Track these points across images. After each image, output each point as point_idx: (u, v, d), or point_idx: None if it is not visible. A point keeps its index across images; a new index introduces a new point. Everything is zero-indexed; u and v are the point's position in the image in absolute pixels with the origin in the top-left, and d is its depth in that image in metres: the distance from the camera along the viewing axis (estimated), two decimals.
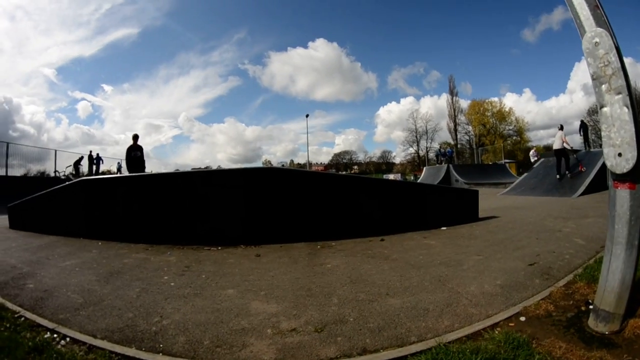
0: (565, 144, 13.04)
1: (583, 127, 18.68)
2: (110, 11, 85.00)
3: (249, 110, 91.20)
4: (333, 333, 2.52)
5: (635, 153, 2.14)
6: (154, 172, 12.37)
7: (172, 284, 3.58)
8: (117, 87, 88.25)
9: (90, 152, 24.50)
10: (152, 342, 2.41)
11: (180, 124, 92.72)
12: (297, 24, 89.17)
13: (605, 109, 2.29)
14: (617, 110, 2.22)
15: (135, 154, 10.52)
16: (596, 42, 2.29)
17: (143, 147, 10.89)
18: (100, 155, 25.19)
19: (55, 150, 21.35)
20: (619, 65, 2.21)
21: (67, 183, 6.41)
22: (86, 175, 18.44)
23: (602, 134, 2.33)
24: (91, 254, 4.69)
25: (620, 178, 2.29)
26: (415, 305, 2.94)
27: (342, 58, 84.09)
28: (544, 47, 76.06)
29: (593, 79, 2.35)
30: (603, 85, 2.28)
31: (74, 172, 21.01)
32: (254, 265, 4.27)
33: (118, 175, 13.67)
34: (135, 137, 10.89)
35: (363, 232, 5.75)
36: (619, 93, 2.21)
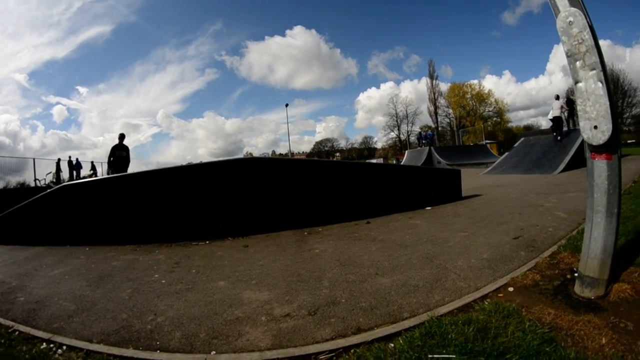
0: (565, 111, 14.48)
1: (570, 102, 18.98)
2: (81, 10, 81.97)
3: (228, 103, 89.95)
4: (326, 315, 2.57)
5: (610, 125, 2.23)
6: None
7: (163, 281, 3.57)
8: (93, 88, 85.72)
9: (70, 157, 24.07)
10: (149, 340, 2.41)
11: (159, 122, 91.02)
12: (275, 12, 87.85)
13: (580, 85, 2.36)
14: (591, 86, 2.30)
15: (120, 153, 10.25)
16: (570, 21, 2.34)
17: (129, 147, 10.69)
18: (79, 160, 24.85)
19: (34, 159, 20.58)
20: (593, 43, 2.28)
21: (47, 191, 6.26)
22: (67, 181, 18.11)
23: (578, 108, 2.41)
24: (79, 260, 4.61)
25: (597, 149, 2.38)
26: (405, 283, 3.01)
27: (321, 45, 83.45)
28: (523, 30, 76.94)
29: (568, 56, 2.41)
30: (577, 62, 2.35)
31: (54, 180, 20.56)
32: (243, 256, 4.28)
33: (98, 178, 13.30)
34: (122, 137, 10.59)
35: (349, 216, 5.82)
36: (593, 69, 2.28)
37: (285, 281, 3.31)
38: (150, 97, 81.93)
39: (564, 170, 11.61)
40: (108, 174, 9.03)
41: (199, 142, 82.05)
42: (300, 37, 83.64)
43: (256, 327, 2.47)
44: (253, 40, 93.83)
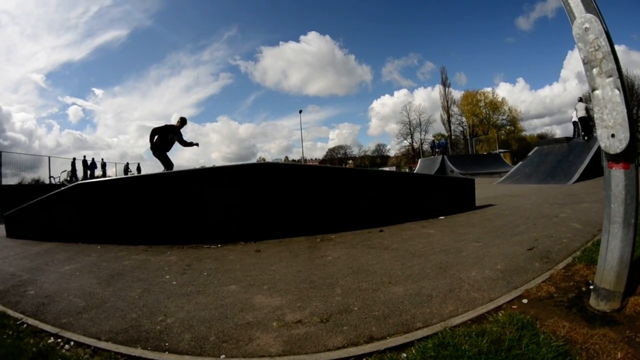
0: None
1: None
2: (98, 13, 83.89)
3: (241, 108, 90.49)
4: (339, 323, 2.54)
5: (627, 134, 2.19)
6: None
7: (174, 282, 3.59)
8: (108, 90, 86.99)
9: (84, 157, 24.53)
10: (158, 341, 2.42)
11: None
12: (289, 17, 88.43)
13: (597, 92, 2.33)
14: (608, 93, 2.26)
15: (172, 137, 8.81)
16: (586, 28, 2.32)
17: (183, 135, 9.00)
18: (95, 160, 25.30)
19: (49, 157, 20.88)
20: (609, 49, 2.25)
21: (62, 188, 6.37)
22: (81, 180, 18.39)
23: (595, 116, 2.38)
24: (90, 257, 4.68)
25: (614, 158, 2.33)
26: (419, 292, 2.98)
27: (335, 51, 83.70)
28: (538, 36, 76.13)
29: (584, 63, 2.38)
30: (594, 69, 2.32)
31: (68, 178, 20.89)
32: (255, 261, 4.29)
33: (113, 177, 13.25)
34: (183, 121, 9.07)
35: (362, 224, 5.80)
36: (610, 76, 2.25)
37: (297, 287, 3.30)
38: (165, 100, 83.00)
39: (578, 180, 11.44)
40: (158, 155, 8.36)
41: (212, 146, 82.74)
42: (314, 43, 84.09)
43: (267, 333, 2.46)
44: (268, 46, 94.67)
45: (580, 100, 16.03)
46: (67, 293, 3.36)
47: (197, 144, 9.15)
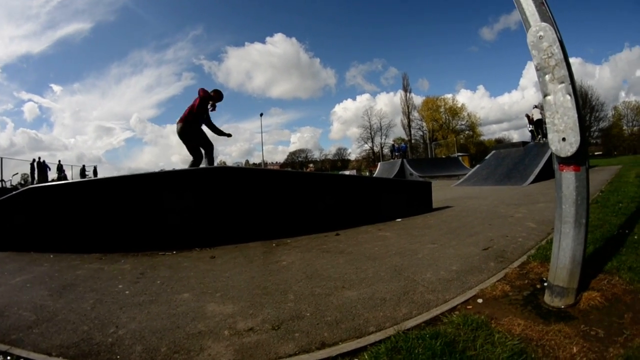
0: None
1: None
2: (62, 3, 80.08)
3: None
4: (290, 329, 2.49)
5: (578, 137, 2.27)
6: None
7: (127, 292, 3.41)
8: (67, 87, 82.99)
9: (37, 159, 23.12)
10: (109, 353, 2.27)
11: (132, 126, 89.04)
12: (256, 18, 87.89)
13: (549, 97, 2.41)
14: (560, 98, 2.34)
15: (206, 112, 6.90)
16: (540, 36, 2.40)
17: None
18: (46, 162, 23.93)
19: (1, 158, 19.34)
20: (562, 56, 2.33)
21: (12, 193, 5.95)
22: (34, 184, 17.29)
23: (547, 120, 2.46)
24: (42, 267, 4.37)
25: (565, 161, 2.42)
26: (372, 296, 2.95)
27: (301, 54, 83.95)
28: (500, 46, 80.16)
29: (537, 70, 2.46)
30: (547, 75, 2.40)
31: (22, 182, 19.64)
32: (209, 267, 4.15)
33: (65, 182, 12.55)
34: (218, 95, 7.04)
35: (318, 228, 5.75)
36: (562, 82, 2.33)
37: (250, 294, 3.21)
38: (125, 100, 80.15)
39: (534, 181, 11.96)
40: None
41: (172, 148, 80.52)
42: (280, 45, 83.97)
43: (218, 342, 2.36)
44: (233, 46, 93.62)
45: (535, 107, 18.22)
46: (18, 307, 3.10)
47: (229, 135, 7.53)
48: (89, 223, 5.25)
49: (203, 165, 6.65)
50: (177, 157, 76.82)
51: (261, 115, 47.54)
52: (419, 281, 3.22)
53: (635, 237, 3.92)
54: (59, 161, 26.27)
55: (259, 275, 3.74)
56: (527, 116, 19.77)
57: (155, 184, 5.53)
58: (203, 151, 6.71)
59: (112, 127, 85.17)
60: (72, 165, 29.21)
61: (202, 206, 5.36)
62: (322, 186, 6.32)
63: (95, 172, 29.89)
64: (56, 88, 76.72)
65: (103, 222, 5.23)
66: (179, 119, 6.62)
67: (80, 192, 5.56)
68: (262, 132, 49.55)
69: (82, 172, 28.85)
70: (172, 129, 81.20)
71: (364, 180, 6.62)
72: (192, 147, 6.68)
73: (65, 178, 23.93)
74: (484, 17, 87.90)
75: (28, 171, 20.94)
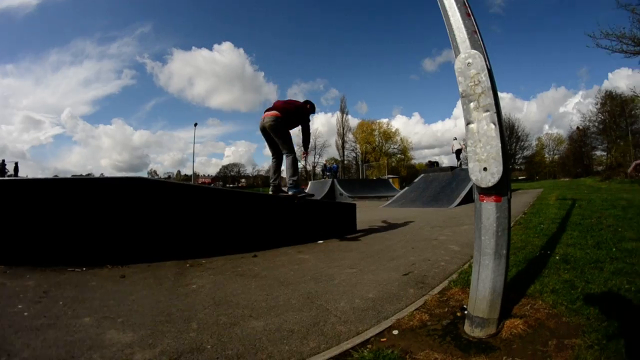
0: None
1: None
2: None
3: (139, 113, 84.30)
4: None
5: (500, 167, 2.24)
6: (29, 177, 9.87)
7: (26, 313, 2.92)
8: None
9: None
10: None
11: (63, 122, 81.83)
12: (208, 23, 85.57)
13: (472, 126, 2.37)
14: (484, 127, 2.31)
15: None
16: (469, 63, 2.38)
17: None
18: None
19: None
20: (489, 84, 2.31)
21: None
22: None
23: (468, 149, 2.40)
24: None
25: (486, 191, 2.39)
26: (280, 327, 2.73)
27: (246, 65, 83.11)
28: (439, 77, 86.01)
29: (462, 97, 2.42)
30: (472, 103, 2.37)
31: None
32: (117, 288, 3.71)
33: None
34: (312, 107, 7.17)
35: (237, 248, 5.45)
36: (487, 110, 2.31)
37: (153, 321, 2.85)
38: (60, 91, 73.35)
39: (460, 204, 12.54)
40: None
41: (103, 151, 75.12)
42: (227, 54, 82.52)
43: None
44: (180, 49, 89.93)
45: (455, 139, 21.69)
46: None
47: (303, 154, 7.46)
48: None
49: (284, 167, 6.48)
50: (107, 161, 71.71)
51: (195, 125, 46.16)
52: (332, 310, 3.04)
53: (557, 257, 4.12)
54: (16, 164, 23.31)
55: (165, 300, 3.39)
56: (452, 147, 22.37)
57: (67, 191, 4.93)
58: (284, 154, 6.51)
59: (42, 120, 77.41)
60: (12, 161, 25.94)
61: (117, 220, 4.82)
62: (243, 205, 5.99)
63: (16, 170, 26.81)
64: None
65: (9, 231, 4.55)
66: (273, 111, 6.36)
67: None
68: (194, 143, 48.06)
69: (1, 168, 25.80)
70: (104, 129, 75.56)
71: (285, 200, 6.42)
72: (277, 144, 6.52)
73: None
74: (429, 49, 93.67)
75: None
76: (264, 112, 6.51)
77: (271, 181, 6.89)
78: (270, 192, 6.73)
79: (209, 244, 5.31)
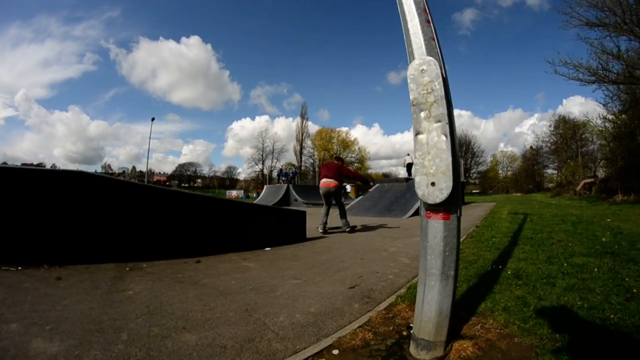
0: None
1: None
2: None
3: (97, 102, 79.82)
4: None
5: (450, 183, 2.09)
6: None
7: None
8: None
9: None
10: None
11: (16, 103, 75.86)
12: (178, 14, 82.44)
13: (421, 136, 2.20)
14: (434, 138, 2.16)
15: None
16: (423, 69, 2.22)
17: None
18: None
19: None
20: (443, 93, 2.16)
21: None
22: None
23: (415, 161, 2.24)
24: None
25: (433, 208, 2.23)
26: (212, 342, 2.50)
27: (212, 62, 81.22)
28: (403, 90, 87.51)
29: (413, 105, 2.25)
30: (422, 112, 2.21)
31: None
32: (50, 291, 3.36)
33: None
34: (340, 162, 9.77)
35: (181, 253, 5.16)
36: (439, 121, 2.15)
37: (82, 330, 2.58)
38: (17, 70, 67.77)
39: (413, 215, 12.63)
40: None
41: (57, 140, 70.30)
42: (194, 49, 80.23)
43: None
44: (147, 38, 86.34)
45: (408, 154, 22.67)
46: None
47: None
48: None
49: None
50: (60, 150, 67.18)
51: (152, 119, 44.56)
52: (270, 325, 2.83)
53: (509, 272, 4.09)
54: None
55: (99, 306, 3.09)
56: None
57: (8, 181, 4.42)
58: (337, 205, 9.11)
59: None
60: None
61: (56, 217, 4.41)
62: (188, 207, 5.67)
63: None
64: None
65: None
66: (333, 180, 8.74)
67: None
68: (150, 138, 46.21)
69: None
70: (59, 116, 70.65)
71: (234, 205, 6.18)
72: (331, 199, 9.01)
73: None
74: (395, 63, 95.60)
75: None
76: (321, 178, 8.87)
77: (322, 223, 8.63)
78: (321, 231, 8.49)
79: (152, 247, 4.99)
